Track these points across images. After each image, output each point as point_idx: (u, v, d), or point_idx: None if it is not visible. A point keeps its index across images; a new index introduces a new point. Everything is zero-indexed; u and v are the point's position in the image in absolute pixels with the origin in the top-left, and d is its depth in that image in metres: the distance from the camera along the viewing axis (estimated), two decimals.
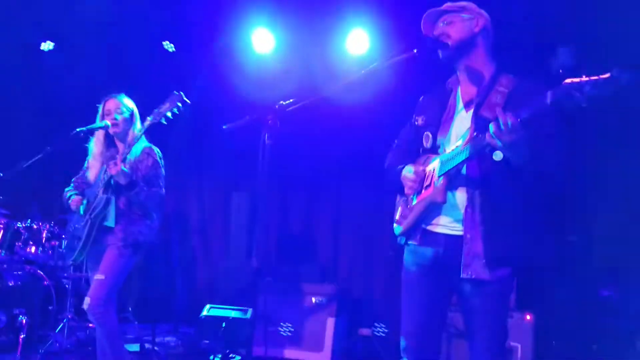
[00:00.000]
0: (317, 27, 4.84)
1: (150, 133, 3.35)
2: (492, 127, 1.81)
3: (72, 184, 3.44)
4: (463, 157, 1.98)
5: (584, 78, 1.60)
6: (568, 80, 1.62)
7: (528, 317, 3.52)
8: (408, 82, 4.06)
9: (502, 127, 1.77)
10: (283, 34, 5.04)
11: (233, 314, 4.25)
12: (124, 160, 3.07)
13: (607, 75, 1.54)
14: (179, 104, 3.07)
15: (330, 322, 4.14)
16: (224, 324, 4.14)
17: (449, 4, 2.20)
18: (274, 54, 5.11)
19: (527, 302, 3.67)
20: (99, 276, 3.11)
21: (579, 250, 4.02)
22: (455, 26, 2.14)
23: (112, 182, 3.14)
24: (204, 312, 4.34)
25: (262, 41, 5.06)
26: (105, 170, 3.17)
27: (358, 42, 4.87)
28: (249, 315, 4.23)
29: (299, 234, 5.40)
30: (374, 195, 4.86)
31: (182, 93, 3.09)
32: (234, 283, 4.69)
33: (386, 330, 3.99)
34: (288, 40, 5.05)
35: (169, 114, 3.08)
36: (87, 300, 3.08)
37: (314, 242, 5.34)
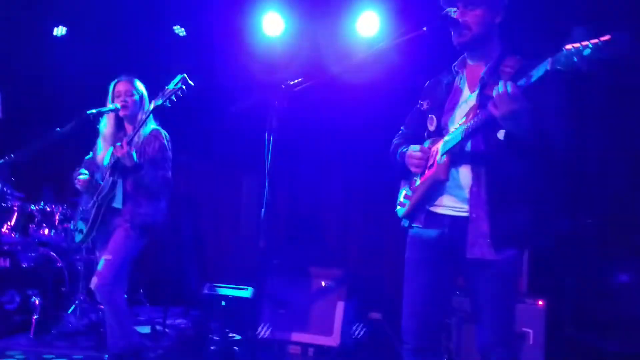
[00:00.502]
0: (327, 9, 4.78)
1: (161, 115, 3.36)
2: (494, 93, 1.77)
3: (82, 166, 3.46)
4: (465, 132, 1.95)
5: (584, 42, 1.57)
6: (568, 46, 1.60)
7: (540, 302, 3.46)
8: (419, 61, 4.00)
9: (502, 93, 1.74)
10: (293, 16, 4.99)
11: (233, 292, 4.25)
12: (130, 143, 3.08)
13: (607, 37, 1.52)
14: (183, 87, 3.07)
15: (340, 306, 4.13)
16: (223, 303, 4.15)
17: None
18: (284, 37, 5.06)
19: (540, 287, 3.62)
20: (106, 256, 3.14)
21: (595, 234, 3.93)
22: (479, 17, 2.03)
23: (119, 164, 3.14)
24: (205, 291, 4.35)
25: (272, 24, 5.00)
26: (113, 153, 3.19)
27: (368, 24, 4.79)
28: (249, 293, 4.22)
29: (308, 217, 5.38)
30: (384, 178, 4.80)
31: (185, 75, 3.08)
32: (245, 265, 4.70)
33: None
34: (298, 23, 4.99)
35: (173, 97, 3.09)
36: (94, 280, 3.12)
37: (323, 225, 5.32)
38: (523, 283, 3.67)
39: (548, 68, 1.66)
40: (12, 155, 3.34)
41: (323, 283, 4.22)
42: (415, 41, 2.16)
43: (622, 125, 4.01)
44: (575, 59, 1.58)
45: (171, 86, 3.08)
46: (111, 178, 3.19)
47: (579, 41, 1.58)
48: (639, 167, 3.91)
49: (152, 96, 3.28)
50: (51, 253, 4.50)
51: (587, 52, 1.56)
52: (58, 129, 3.20)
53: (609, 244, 3.89)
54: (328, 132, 5.14)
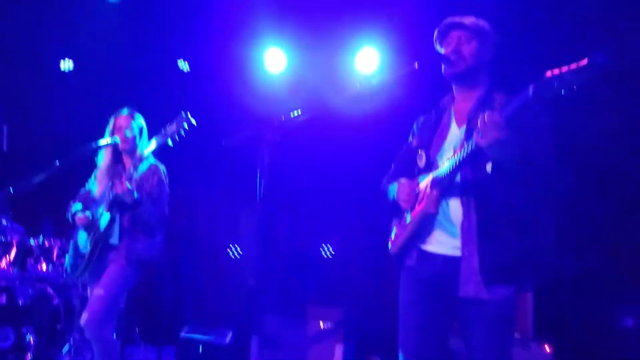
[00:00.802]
0: (327, 45, 4.84)
1: (160, 149, 3.35)
2: (478, 122, 1.77)
3: (77, 198, 3.45)
4: (454, 164, 1.93)
5: (564, 68, 1.59)
6: (548, 73, 1.62)
7: (547, 348, 3.33)
8: (412, 97, 4.00)
9: (487, 121, 1.73)
10: (294, 53, 5.06)
11: (211, 338, 4.12)
12: (130, 179, 3.07)
13: (584, 61, 1.56)
14: (186, 126, 3.07)
15: (338, 349, 4.00)
16: (200, 348, 4.03)
17: (472, 19, 2.11)
18: (285, 73, 5.12)
19: (546, 332, 3.48)
20: (98, 291, 3.09)
21: (602, 275, 3.81)
22: (471, 49, 2.06)
23: (117, 200, 3.13)
24: (183, 334, 4.24)
25: (274, 60, 5.08)
26: (111, 188, 3.17)
27: (368, 60, 4.83)
28: (227, 339, 4.10)
29: (305, 253, 5.30)
30: (383, 213, 4.75)
31: (188, 114, 3.08)
32: (242, 304, 4.59)
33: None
34: (299, 59, 5.06)
35: (175, 136, 3.09)
36: (84, 316, 3.05)
37: (321, 262, 5.24)
38: (529, 326, 3.55)
39: (530, 94, 1.66)
40: (10, 189, 3.33)
41: (321, 324, 4.11)
42: (409, 77, 2.16)
43: (629, 160, 3.95)
44: (555, 85, 1.60)
45: (174, 125, 3.08)
46: (109, 214, 3.17)
47: (559, 67, 1.60)
48: None
49: (152, 131, 3.30)
50: (48, 289, 4.44)
51: (566, 77, 1.58)
52: (57, 161, 3.21)
53: (616, 286, 3.76)
54: (325, 167, 5.13)
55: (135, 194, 3.07)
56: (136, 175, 3.21)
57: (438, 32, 2.14)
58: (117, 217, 3.18)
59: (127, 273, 3.15)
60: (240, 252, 5.18)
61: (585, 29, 3.66)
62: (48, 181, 3.29)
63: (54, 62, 5.48)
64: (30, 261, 4.52)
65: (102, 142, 3.31)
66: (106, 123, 3.43)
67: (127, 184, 3.03)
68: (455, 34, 2.08)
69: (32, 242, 4.53)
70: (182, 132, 3.08)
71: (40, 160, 3.79)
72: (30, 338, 4.09)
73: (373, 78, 2.23)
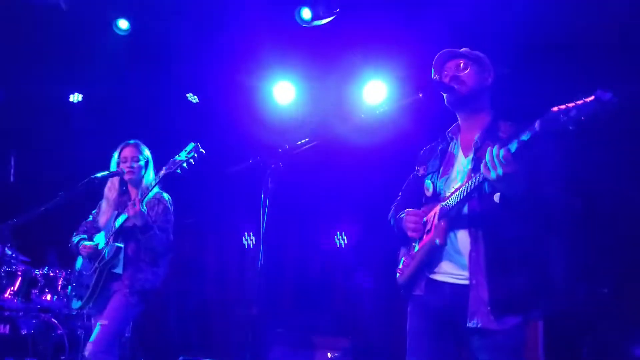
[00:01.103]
0: (335, 78, 4.90)
1: (168, 178, 3.36)
2: (486, 156, 1.78)
3: (79, 229, 3.45)
4: (461, 196, 1.94)
5: (570, 104, 1.61)
6: (555, 108, 1.64)
7: None
8: (418, 127, 4.03)
9: (494, 156, 1.74)
10: (303, 85, 5.12)
11: None
12: (141, 202, 3.08)
13: (591, 97, 1.58)
14: (195, 155, 3.10)
15: None
16: None
17: (467, 49, 2.18)
18: (294, 105, 5.18)
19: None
20: (102, 322, 3.09)
21: (611, 304, 3.76)
22: (470, 74, 2.11)
23: (124, 228, 3.12)
24: None
25: (283, 92, 5.14)
26: (116, 217, 3.19)
27: (375, 92, 4.88)
28: None
29: (314, 283, 5.26)
30: (390, 242, 4.73)
31: (198, 144, 3.11)
32: (246, 333, 4.54)
33: None
34: (307, 91, 5.12)
35: (184, 165, 3.11)
36: (89, 346, 3.06)
37: (329, 292, 5.19)
38: (539, 355, 3.49)
39: (537, 129, 1.67)
40: (14, 220, 3.34)
41: (329, 355, 4.05)
42: (414, 107, 2.20)
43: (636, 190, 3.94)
44: (562, 120, 1.61)
45: (183, 155, 3.12)
46: (115, 244, 3.17)
47: (565, 103, 1.62)
48: None
49: (161, 162, 3.32)
50: (52, 320, 4.41)
51: (573, 112, 1.60)
52: (62, 192, 3.23)
53: (627, 316, 3.71)
54: (333, 196, 5.14)
55: (146, 216, 3.09)
56: (141, 196, 3.22)
57: (435, 64, 2.19)
58: (123, 247, 3.18)
59: (131, 303, 3.14)
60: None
61: (594, 65, 3.69)
62: (53, 212, 3.31)
63: (63, 94, 5.57)
64: (34, 291, 4.50)
65: (108, 173, 3.34)
66: (112, 154, 3.47)
67: (141, 206, 3.04)
68: (452, 63, 2.14)
69: (36, 272, 4.53)
70: (192, 161, 3.11)
71: (47, 192, 3.82)
72: None
73: (378, 108, 2.25)
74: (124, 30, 4.84)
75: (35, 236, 4.85)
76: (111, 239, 3.20)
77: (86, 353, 3.06)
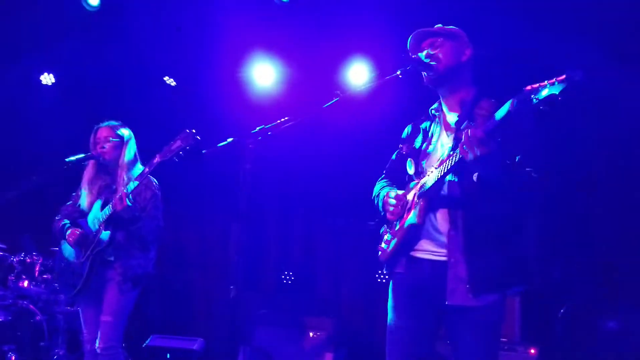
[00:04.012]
0: (316, 58, 4.85)
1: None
2: (462, 137, 1.79)
3: (61, 213, 3.39)
4: (440, 174, 1.95)
5: (542, 83, 1.63)
6: (528, 87, 1.65)
7: (532, 350, 3.35)
8: (400, 105, 4.03)
9: (470, 136, 1.75)
10: (283, 67, 5.06)
11: (180, 344, 4.12)
12: (129, 196, 3.02)
13: (562, 76, 1.60)
14: (192, 143, 2.97)
15: (329, 358, 3.98)
16: (168, 355, 4.00)
17: (440, 26, 2.18)
18: (274, 86, 5.12)
19: (532, 335, 3.50)
20: (105, 317, 3.10)
21: (586, 280, 3.85)
22: (445, 51, 2.11)
23: (115, 216, 3.08)
24: (148, 343, 4.21)
25: (263, 74, 5.08)
26: (105, 204, 3.14)
27: (357, 72, 4.84)
28: (196, 346, 4.09)
29: (297, 264, 5.28)
30: (376, 225, 4.75)
31: (194, 131, 2.99)
32: (233, 316, 4.55)
33: None
34: (288, 73, 5.06)
35: (180, 153, 3.01)
36: (98, 344, 3.08)
37: (312, 272, 5.22)
38: (515, 330, 3.56)
39: (510, 109, 1.68)
40: None
41: (311, 334, 4.08)
42: (394, 85, 2.18)
43: (614, 166, 4.01)
44: (534, 99, 1.62)
45: (178, 141, 2.99)
46: (108, 231, 3.11)
47: (538, 82, 1.63)
48: (628, 214, 3.88)
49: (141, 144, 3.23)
50: (30, 306, 4.35)
51: (544, 90, 1.61)
52: (34, 177, 3.16)
53: (600, 290, 3.81)
54: (317, 176, 5.12)
55: (134, 210, 3.05)
56: (129, 190, 3.15)
57: (410, 45, 2.19)
58: (116, 234, 3.14)
59: (126, 292, 3.14)
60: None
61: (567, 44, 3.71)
62: (27, 196, 3.23)
63: (34, 75, 5.41)
64: (11, 278, 4.43)
65: (81, 156, 3.26)
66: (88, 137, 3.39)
67: (127, 201, 2.98)
68: (426, 42, 2.14)
69: (13, 258, 4.45)
70: (189, 148, 2.99)
71: (19, 176, 3.74)
72: (12, 356, 4.01)
73: (359, 86, 2.23)
74: (94, 7, 4.70)
75: (10, 222, 4.76)
76: (102, 226, 3.13)
77: (97, 349, 3.08)
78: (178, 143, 2.99)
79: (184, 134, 2.99)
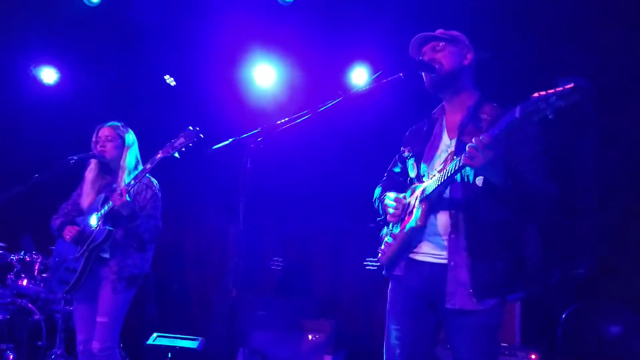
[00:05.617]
0: (316, 59, 4.85)
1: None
2: (467, 146, 1.78)
3: (60, 211, 3.38)
4: (443, 178, 1.94)
5: (550, 90, 1.63)
6: (536, 94, 1.65)
7: (533, 356, 3.33)
8: (403, 107, 4.02)
9: (475, 144, 1.75)
10: (284, 69, 5.05)
11: (181, 343, 4.11)
12: (128, 192, 3.02)
13: (571, 85, 1.59)
14: (195, 140, 3.01)
15: None
16: (169, 354, 3.99)
17: (441, 30, 2.18)
18: (275, 87, 5.12)
19: (533, 340, 3.49)
20: (101, 318, 3.08)
21: (587, 284, 3.84)
22: (447, 55, 2.11)
23: (113, 213, 3.08)
24: (150, 341, 4.19)
25: (263, 75, 5.07)
26: (104, 201, 3.13)
27: (358, 75, 4.83)
28: (197, 345, 4.09)
29: (296, 266, 5.26)
30: (375, 224, 4.74)
31: (198, 129, 3.02)
32: (231, 318, 4.53)
33: None
34: (289, 74, 5.05)
35: (182, 149, 3.03)
36: (95, 345, 3.07)
37: (311, 275, 5.20)
38: (516, 335, 3.55)
39: (517, 116, 1.68)
40: None
41: (310, 336, 4.06)
42: (396, 87, 2.18)
43: (613, 173, 3.99)
44: (541, 106, 1.62)
45: (181, 138, 3.02)
46: (105, 228, 3.10)
47: (546, 89, 1.63)
48: (628, 219, 3.87)
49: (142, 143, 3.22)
50: (29, 305, 4.34)
51: (552, 99, 1.61)
52: (36, 175, 3.15)
53: (602, 294, 3.79)
54: (317, 178, 5.10)
55: (133, 206, 3.05)
56: (129, 188, 3.14)
57: (411, 50, 2.19)
58: (113, 231, 3.13)
59: (121, 291, 3.12)
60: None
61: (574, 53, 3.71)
62: (28, 195, 3.23)
63: (29, 70, 5.40)
64: (10, 276, 4.43)
65: (82, 155, 3.26)
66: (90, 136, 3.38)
67: (127, 197, 2.98)
68: (428, 46, 2.14)
69: (12, 257, 4.44)
70: (192, 145, 3.02)
71: (21, 175, 3.72)
72: (10, 355, 4.00)
73: (358, 88, 2.22)
74: (94, 3, 4.69)
75: (10, 220, 4.75)
76: (101, 222, 3.13)
77: (94, 349, 3.06)
78: (181, 140, 3.02)
79: (187, 131, 3.02)
